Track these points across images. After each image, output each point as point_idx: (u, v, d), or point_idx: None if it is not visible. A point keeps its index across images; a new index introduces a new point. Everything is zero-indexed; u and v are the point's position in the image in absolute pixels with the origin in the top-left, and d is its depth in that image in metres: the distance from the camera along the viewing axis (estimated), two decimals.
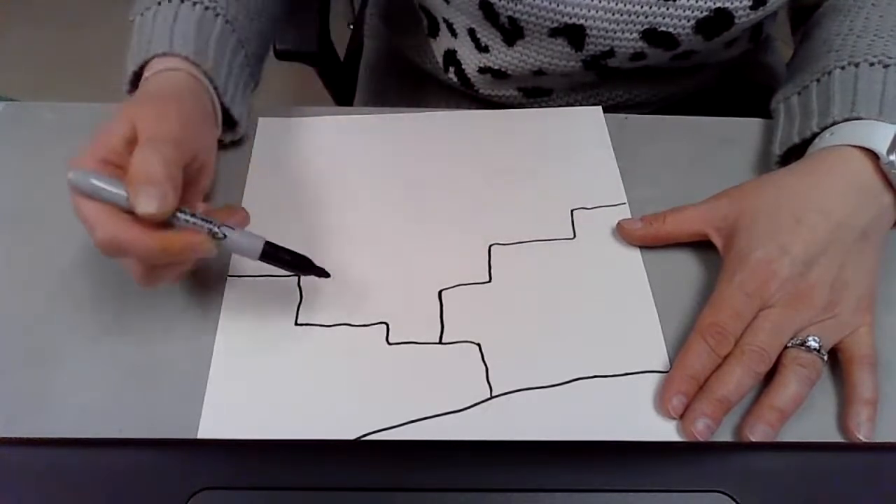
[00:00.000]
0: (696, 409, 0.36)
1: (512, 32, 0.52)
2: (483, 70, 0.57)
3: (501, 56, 0.55)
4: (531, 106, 0.60)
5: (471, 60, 0.58)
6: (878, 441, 0.36)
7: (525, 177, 0.48)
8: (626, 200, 0.47)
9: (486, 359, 0.39)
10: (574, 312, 0.41)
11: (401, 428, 0.36)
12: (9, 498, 0.29)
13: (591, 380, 0.38)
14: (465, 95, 0.63)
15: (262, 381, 0.38)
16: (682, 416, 0.36)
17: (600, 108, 0.53)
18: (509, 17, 0.50)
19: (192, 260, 0.38)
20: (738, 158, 0.49)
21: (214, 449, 0.32)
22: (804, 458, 0.32)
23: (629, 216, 0.45)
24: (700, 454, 0.33)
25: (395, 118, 0.52)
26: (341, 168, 0.49)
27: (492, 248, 0.44)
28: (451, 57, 0.60)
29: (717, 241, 0.42)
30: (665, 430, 0.36)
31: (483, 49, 0.56)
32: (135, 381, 0.38)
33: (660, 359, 0.39)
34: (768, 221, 0.39)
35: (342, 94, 0.84)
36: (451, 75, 0.61)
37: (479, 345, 0.39)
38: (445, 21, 0.57)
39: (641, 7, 0.47)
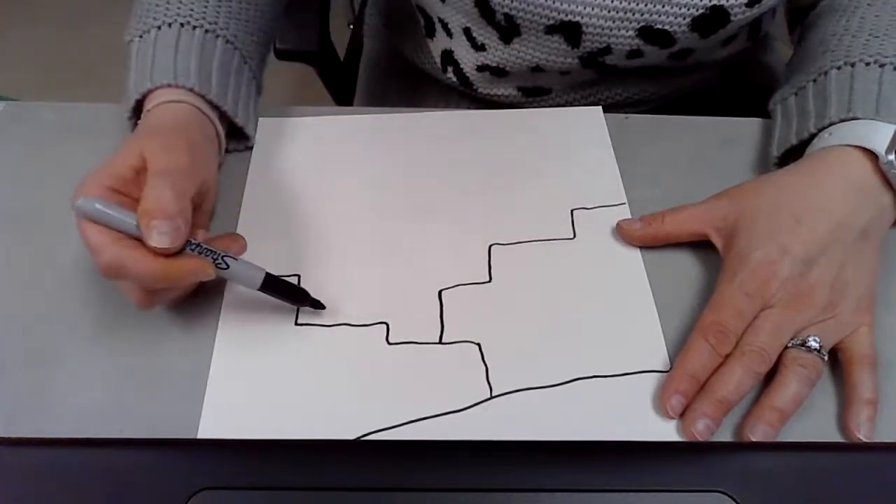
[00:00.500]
0: (696, 409, 0.36)
1: (508, 30, 0.52)
2: (481, 68, 0.57)
3: (498, 54, 0.55)
4: (530, 105, 0.61)
5: (468, 59, 0.58)
6: (878, 441, 0.36)
7: (525, 177, 0.48)
8: (626, 200, 0.47)
9: (486, 359, 0.39)
10: (574, 312, 0.41)
11: (401, 428, 0.36)
12: (9, 498, 0.29)
13: (591, 380, 0.38)
14: (464, 95, 0.63)
15: (262, 381, 0.38)
16: (682, 416, 0.36)
17: (600, 107, 0.53)
18: (505, 15, 0.50)
19: (192, 285, 0.39)
20: (738, 158, 0.49)
21: (214, 449, 0.32)
22: (804, 458, 0.32)
23: (629, 216, 0.45)
24: (700, 454, 0.33)
25: (395, 118, 0.52)
26: (341, 168, 0.49)
27: (492, 248, 0.44)
28: (448, 57, 0.60)
29: (717, 241, 0.42)
30: (665, 430, 0.36)
31: (479, 48, 0.56)
32: (135, 381, 0.38)
33: (660, 359, 0.39)
34: (768, 221, 0.39)
35: (342, 94, 0.84)
36: (450, 75, 0.61)
37: (479, 345, 0.39)
38: (441, 21, 0.57)
39: (637, 4, 0.47)
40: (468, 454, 0.31)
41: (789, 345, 0.37)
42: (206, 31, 0.45)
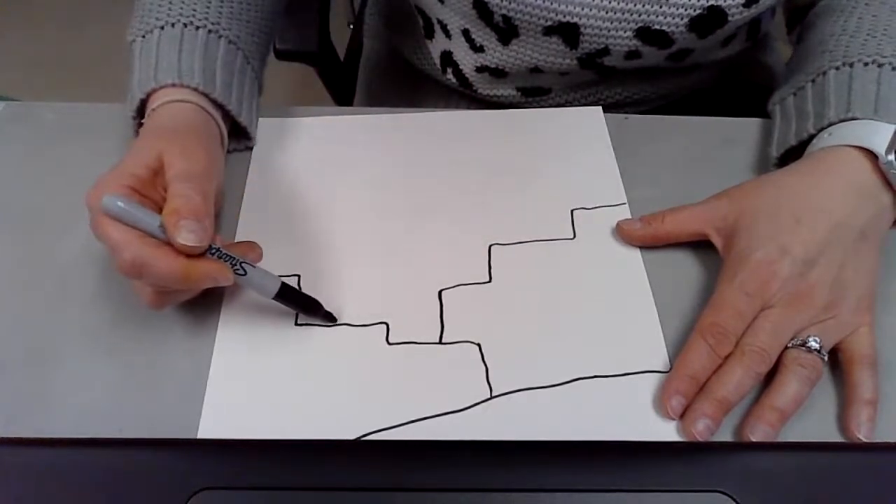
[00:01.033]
0: (696, 409, 0.36)
1: (507, 31, 0.52)
2: (480, 69, 0.57)
3: (497, 55, 0.55)
4: (530, 105, 0.61)
5: (467, 60, 0.58)
6: (878, 441, 0.36)
7: (525, 177, 0.48)
8: (626, 200, 0.47)
9: (486, 359, 0.39)
10: (574, 312, 0.41)
11: (401, 428, 0.36)
12: (9, 498, 0.29)
13: (591, 380, 0.38)
14: (464, 96, 0.63)
15: (262, 381, 0.38)
16: (682, 417, 0.36)
17: (600, 108, 0.53)
18: (503, 16, 0.50)
19: (205, 286, 0.39)
20: (738, 158, 0.49)
21: (214, 449, 0.32)
22: (804, 458, 0.32)
23: (629, 216, 0.45)
24: (700, 454, 0.33)
25: (395, 118, 0.52)
26: (341, 168, 0.49)
27: (492, 248, 0.44)
28: (447, 58, 0.60)
29: (717, 242, 0.42)
30: (665, 430, 0.36)
31: (478, 49, 0.56)
32: (135, 381, 0.38)
33: (660, 359, 0.39)
34: (768, 222, 0.39)
35: (342, 94, 0.84)
36: (450, 76, 0.61)
37: (479, 345, 0.39)
38: (440, 22, 0.57)
39: (635, 5, 0.47)
40: (468, 454, 0.31)
41: (789, 345, 0.37)
42: (209, 31, 0.45)
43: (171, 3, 0.45)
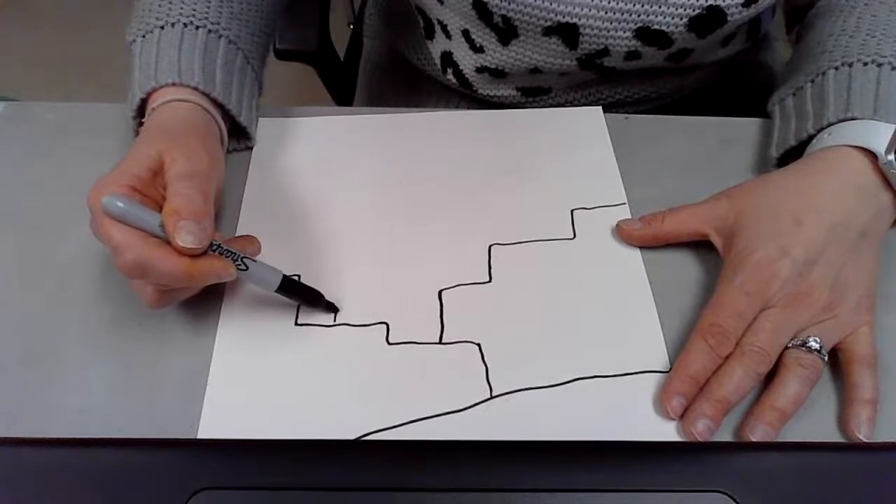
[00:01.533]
0: (696, 409, 0.36)
1: (506, 32, 0.52)
2: (480, 69, 0.57)
3: (497, 56, 0.55)
4: (530, 105, 0.61)
5: (467, 61, 0.58)
6: (878, 441, 0.36)
7: (525, 177, 0.48)
8: (626, 200, 0.47)
9: (486, 359, 0.39)
10: (574, 312, 0.41)
11: (401, 428, 0.36)
12: (9, 498, 0.29)
13: (591, 380, 0.38)
14: (464, 96, 0.63)
15: (262, 381, 0.38)
16: (682, 417, 0.36)
17: (600, 108, 0.53)
18: (503, 17, 0.50)
19: (208, 283, 0.39)
20: (738, 158, 0.49)
21: (214, 449, 0.32)
22: (804, 458, 0.32)
23: (629, 216, 0.45)
24: (700, 454, 0.33)
25: (395, 118, 0.52)
26: (341, 168, 0.49)
27: (492, 248, 0.44)
28: (447, 58, 0.60)
29: (717, 242, 0.41)
30: (665, 430, 0.36)
31: (478, 49, 0.56)
32: (135, 381, 0.38)
33: (660, 359, 0.39)
34: (768, 222, 0.39)
35: (342, 94, 0.84)
36: (450, 76, 0.61)
37: (479, 345, 0.39)
38: (440, 22, 0.57)
39: (634, 5, 0.47)
40: (468, 454, 0.31)
41: (789, 345, 0.37)
42: (209, 31, 0.45)
43: (171, 3, 0.45)
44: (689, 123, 0.52)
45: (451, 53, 0.59)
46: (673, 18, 0.48)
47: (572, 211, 0.46)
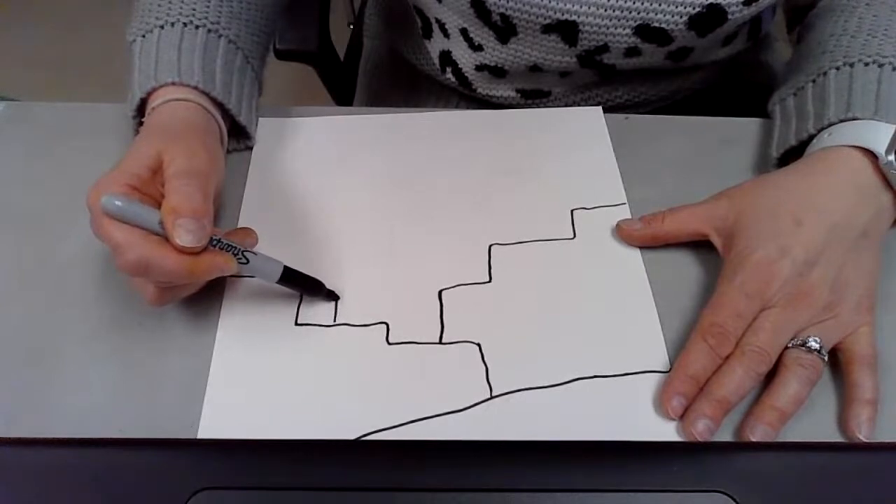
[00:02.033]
0: (696, 409, 0.35)
1: (505, 30, 0.52)
2: (480, 67, 0.57)
3: (496, 53, 0.55)
4: (530, 107, 0.60)
5: (466, 60, 0.58)
6: (878, 441, 0.36)
7: (525, 177, 0.48)
8: (626, 200, 0.47)
9: (486, 359, 0.39)
10: (574, 312, 0.41)
11: (401, 428, 0.36)
12: (9, 498, 0.29)
13: (591, 380, 0.38)
14: (464, 96, 0.63)
15: (262, 381, 0.38)
16: (682, 417, 0.36)
17: (600, 108, 0.53)
18: (501, 15, 0.50)
19: (209, 279, 0.39)
20: (738, 158, 0.49)
21: (214, 449, 0.32)
22: (804, 458, 0.32)
23: (629, 216, 0.45)
24: (700, 454, 0.33)
25: (395, 118, 0.52)
26: (341, 168, 0.49)
27: (492, 248, 0.44)
28: (446, 57, 0.60)
29: (717, 242, 0.41)
30: (665, 430, 0.36)
31: (477, 48, 0.56)
32: (135, 381, 0.38)
33: (660, 359, 0.39)
34: (768, 222, 0.39)
35: (342, 94, 0.84)
36: (449, 75, 0.61)
37: (479, 345, 0.39)
38: (438, 21, 0.57)
39: (633, 3, 0.47)
40: (468, 454, 0.31)
41: (789, 345, 0.37)
42: (209, 30, 0.45)
43: (170, 2, 0.45)
44: (689, 123, 0.52)
45: (450, 52, 0.59)
46: (673, 17, 0.48)
47: (572, 211, 0.46)
